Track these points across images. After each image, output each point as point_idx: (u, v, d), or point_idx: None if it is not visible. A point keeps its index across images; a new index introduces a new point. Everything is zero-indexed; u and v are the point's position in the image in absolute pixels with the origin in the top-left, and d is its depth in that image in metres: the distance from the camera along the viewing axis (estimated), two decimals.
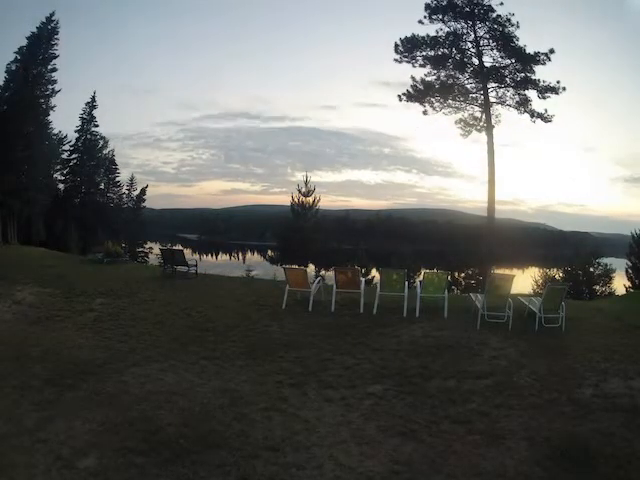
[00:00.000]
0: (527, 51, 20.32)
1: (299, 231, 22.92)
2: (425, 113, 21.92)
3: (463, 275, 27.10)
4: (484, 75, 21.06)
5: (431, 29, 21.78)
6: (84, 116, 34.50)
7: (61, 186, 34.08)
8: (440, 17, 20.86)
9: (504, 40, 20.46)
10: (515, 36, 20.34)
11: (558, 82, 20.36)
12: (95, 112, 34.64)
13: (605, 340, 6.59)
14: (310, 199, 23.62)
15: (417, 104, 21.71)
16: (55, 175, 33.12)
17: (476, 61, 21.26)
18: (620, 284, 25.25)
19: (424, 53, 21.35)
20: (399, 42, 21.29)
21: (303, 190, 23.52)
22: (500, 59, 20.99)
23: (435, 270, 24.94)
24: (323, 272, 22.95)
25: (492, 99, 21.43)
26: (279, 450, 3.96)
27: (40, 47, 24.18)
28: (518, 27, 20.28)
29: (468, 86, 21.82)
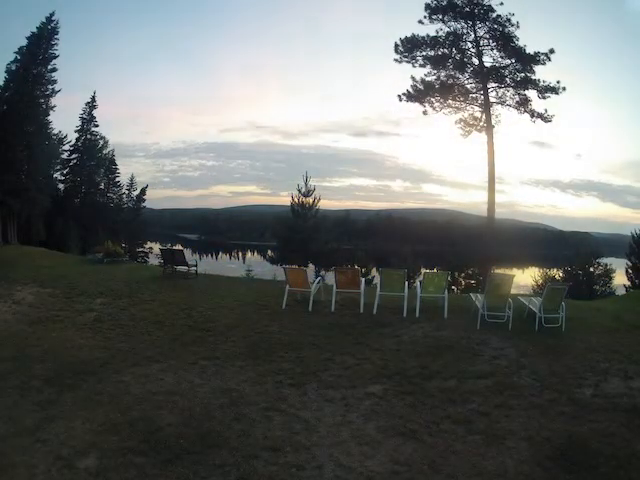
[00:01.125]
0: (527, 51, 20.36)
1: (299, 231, 22.90)
2: (425, 113, 21.97)
3: (463, 275, 27.10)
4: (484, 75, 21.09)
5: (431, 29, 21.86)
6: (84, 116, 34.55)
7: (61, 186, 34.18)
8: (440, 17, 20.89)
9: (504, 40, 20.49)
10: (515, 36, 20.39)
11: (558, 82, 20.41)
12: (95, 112, 34.73)
13: (605, 340, 6.59)
14: (310, 199, 23.60)
15: (417, 104, 21.76)
16: (55, 175, 33.23)
17: (476, 61, 21.30)
18: (620, 284, 25.26)
19: (424, 53, 21.40)
20: (399, 42, 21.33)
21: (303, 190, 23.50)
22: (500, 59, 21.04)
23: (435, 270, 25.01)
24: (323, 272, 22.94)
25: (492, 99, 21.47)
26: (279, 450, 3.96)
27: (40, 47, 24.17)
28: (518, 27, 20.34)
29: (468, 86, 21.86)
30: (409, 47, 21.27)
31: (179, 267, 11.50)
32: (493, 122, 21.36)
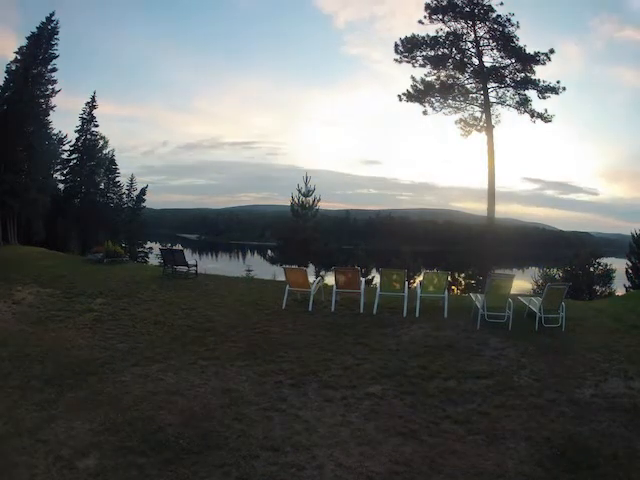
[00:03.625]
0: (527, 51, 20.35)
1: (299, 231, 22.89)
2: (425, 113, 21.95)
3: (463, 275, 27.10)
4: (484, 75, 21.06)
5: (431, 29, 21.82)
6: (84, 116, 34.49)
7: (61, 186, 34.08)
8: (440, 17, 20.86)
9: (504, 40, 20.46)
10: (515, 36, 20.37)
11: (558, 82, 20.39)
12: (95, 112, 34.66)
13: (605, 340, 6.59)
14: (310, 199, 23.59)
15: (417, 104, 21.75)
16: (55, 175, 33.13)
17: (476, 61, 21.27)
18: (620, 284, 25.27)
19: (424, 53, 21.36)
20: (399, 42, 21.31)
21: (303, 190, 23.50)
22: (500, 59, 21.01)
23: (435, 270, 24.98)
24: (323, 272, 22.93)
25: (492, 99, 21.45)
26: (279, 450, 3.96)
27: (40, 47, 24.13)
28: (518, 27, 20.32)
29: (468, 86, 21.84)
30: (409, 47, 21.24)
31: (179, 267, 11.50)
32: (493, 122, 21.35)
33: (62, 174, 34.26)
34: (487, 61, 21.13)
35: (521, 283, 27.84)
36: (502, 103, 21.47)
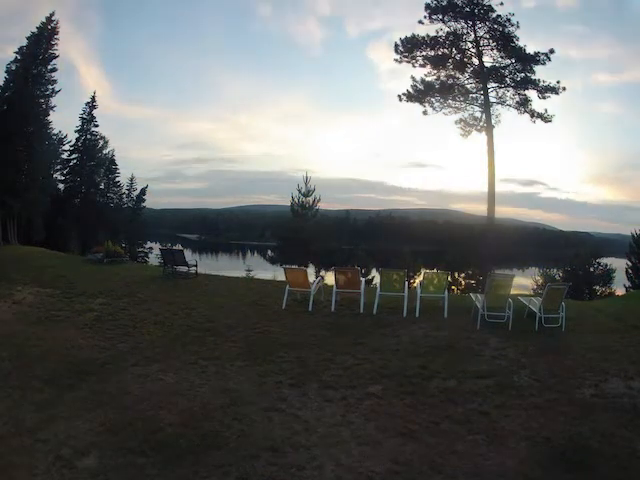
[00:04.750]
0: (527, 51, 20.36)
1: (299, 231, 22.90)
2: (425, 113, 21.95)
3: (463, 275, 27.12)
4: (484, 75, 21.08)
5: (431, 29, 21.76)
6: (84, 116, 34.50)
7: (61, 186, 34.10)
8: (440, 17, 20.88)
9: (504, 40, 20.48)
10: (515, 36, 20.38)
11: (558, 82, 20.41)
12: (95, 112, 34.67)
13: (605, 340, 6.58)
14: (310, 199, 23.60)
15: (417, 104, 21.76)
16: (55, 175, 33.16)
17: (476, 61, 21.29)
18: (620, 284, 25.27)
19: (424, 53, 21.39)
20: (399, 42, 21.32)
21: (303, 190, 23.51)
22: (500, 59, 21.03)
23: (435, 270, 25.01)
24: (323, 272, 22.94)
25: (492, 99, 21.48)
26: (279, 450, 3.96)
27: (40, 47, 24.12)
28: (518, 27, 20.33)
29: (468, 86, 21.86)
30: (409, 47, 21.25)
31: (179, 267, 11.50)
32: (493, 122, 21.36)
33: (62, 174, 34.31)
34: (487, 61, 21.18)
35: (521, 283, 27.89)
36: (502, 103, 21.51)
